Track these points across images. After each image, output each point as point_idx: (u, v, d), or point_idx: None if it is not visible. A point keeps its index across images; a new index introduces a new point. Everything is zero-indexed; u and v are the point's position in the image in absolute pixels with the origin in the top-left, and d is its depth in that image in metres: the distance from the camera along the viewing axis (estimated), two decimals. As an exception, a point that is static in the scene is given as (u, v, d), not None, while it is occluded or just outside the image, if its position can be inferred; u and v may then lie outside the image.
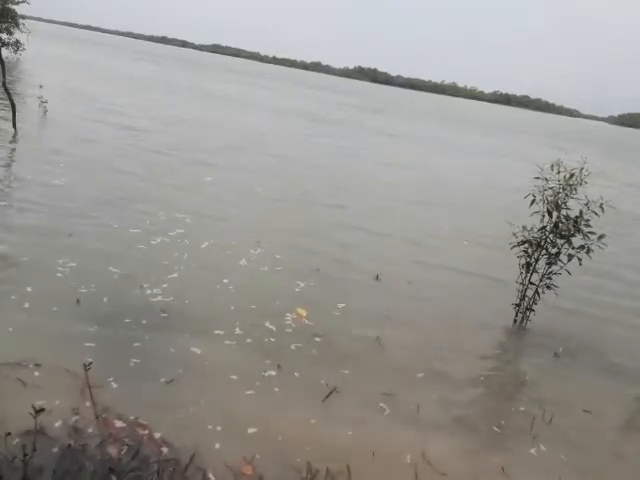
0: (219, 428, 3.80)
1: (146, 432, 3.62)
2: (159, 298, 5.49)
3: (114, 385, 4.06)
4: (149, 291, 5.60)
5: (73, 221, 7.29)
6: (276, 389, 4.39)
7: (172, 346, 4.71)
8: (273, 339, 5.14)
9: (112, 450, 3.41)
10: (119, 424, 3.65)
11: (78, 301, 5.16)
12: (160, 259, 6.48)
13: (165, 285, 5.78)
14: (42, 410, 3.28)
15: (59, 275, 5.67)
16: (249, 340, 5.04)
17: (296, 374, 4.65)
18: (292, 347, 5.07)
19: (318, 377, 4.65)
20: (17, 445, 3.27)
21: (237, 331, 5.14)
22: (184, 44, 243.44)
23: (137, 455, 3.41)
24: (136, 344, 4.63)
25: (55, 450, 3.36)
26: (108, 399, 3.88)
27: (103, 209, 7.96)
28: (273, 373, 4.59)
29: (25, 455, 3.13)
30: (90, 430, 3.57)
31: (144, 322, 5.00)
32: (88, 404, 3.79)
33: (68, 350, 4.40)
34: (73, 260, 6.03)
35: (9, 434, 3.30)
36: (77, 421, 3.63)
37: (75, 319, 4.87)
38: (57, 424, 3.57)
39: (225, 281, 6.16)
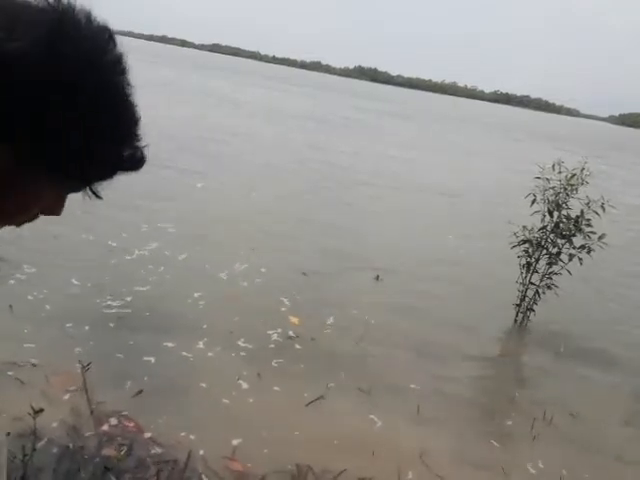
0: (202, 435, 3.70)
1: (140, 432, 3.61)
2: (115, 310, 5.17)
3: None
4: (110, 302, 5.29)
5: (54, 228, 6.90)
6: (251, 399, 4.22)
7: (120, 352, 4.49)
8: (244, 353, 4.87)
9: (110, 450, 3.41)
10: (113, 424, 3.63)
11: (11, 307, 4.92)
12: (133, 271, 6.11)
13: (129, 298, 5.45)
14: (41, 410, 3.28)
15: (11, 281, 5.43)
16: (210, 353, 4.76)
17: (279, 381, 4.50)
18: (271, 360, 4.81)
19: (307, 381, 4.54)
20: (16, 445, 3.26)
21: (199, 345, 4.85)
22: (184, 43, 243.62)
23: (135, 455, 3.40)
24: (77, 349, 4.42)
25: (54, 450, 3.35)
26: (95, 400, 3.84)
27: (87, 215, 7.64)
28: (246, 385, 4.38)
29: (25, 455, 3.13)
30: (88, 430, 3.56)
31: (86, 328, 4.76)
32: (85, 405, 3.79)
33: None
34: (35, 267, 5.76)
35: (9, 434, 3.30)
36: (75, 421, 3.62)
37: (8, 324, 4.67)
38: (55, 424, 3.55)
39: (196, 295, 5.75)
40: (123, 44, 0.73)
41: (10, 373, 3.99)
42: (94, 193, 0.82)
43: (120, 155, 0.76)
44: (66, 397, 3.84)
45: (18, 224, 0.83)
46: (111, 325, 4.91)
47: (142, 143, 0.78)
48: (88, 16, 0.69)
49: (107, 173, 0.79)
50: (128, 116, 0.75)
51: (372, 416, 4.25)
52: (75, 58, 0.66)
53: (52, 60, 0.64)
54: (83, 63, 0.67)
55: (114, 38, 0.71)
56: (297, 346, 5.11)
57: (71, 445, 3.39)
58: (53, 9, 0.66)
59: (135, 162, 0.79)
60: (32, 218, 0.84)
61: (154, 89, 29.10)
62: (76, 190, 0.82)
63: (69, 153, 0.71)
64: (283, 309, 5.83)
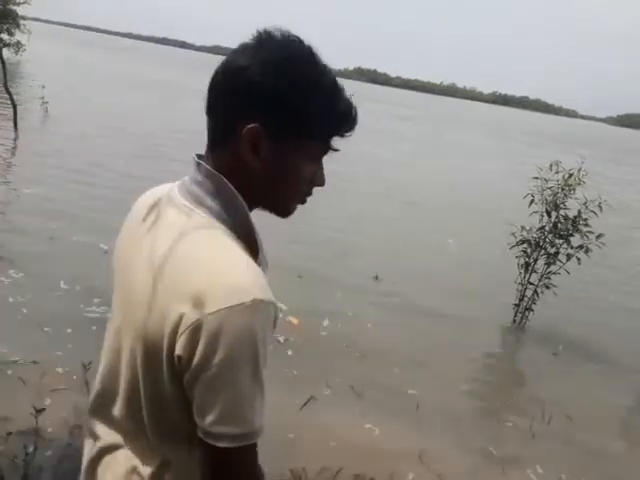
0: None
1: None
2: (101, 314, 5.01)
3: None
4: (95, 308, 5.15)
5: (50, 232, 6.90)
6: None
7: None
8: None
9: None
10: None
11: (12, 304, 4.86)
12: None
13: None
14: (43, 410, 3.29)
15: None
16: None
17: (273, 384, 4.34)
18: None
19: (301, 383, 4.50)
20: (18, 445, 3.27)
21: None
22: (184, 45, 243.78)
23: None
24: (59, 353, 4.39)
25: (56, 449, 3.36)
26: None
27: (83, 219, 7.57)
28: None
29: (26, 454, 3.15)
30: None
31: (70, 330, 4.73)
32: (87, 404, 3.79)
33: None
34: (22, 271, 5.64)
35: (10, 434, 3.31)
36: (77, 420, 3.63)
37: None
38: (57, 423, 3.57)
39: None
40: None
41: (10, 372, 4.02)
42: (333, 149, 1.12)
43: (341, 123, 1.10)
44: (67, 396, 3.85)
45: (301, 199, 1.13)
46: (96, 327, 4.71)
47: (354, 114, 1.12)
48: (313, 51, 1.07)
49: (334, 131, 1.10)
50: (346, 100, 1.10)
51: (370, 417, 4.24)
52: (312, 76, 1.05)
53: (302, 78, 1.03)
54: (313, 78, 1.05)
55: (322, 62, 1.08)
56: (292, 349, 5.05)
57: (73, 444, 3.41)
58: (301, 47, 1.06)
59: (352, 123, 1.11)
60: (309, 190, 1.13)
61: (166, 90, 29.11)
62: (321, 154, 1.11)
63: (318, 122, 1.05)
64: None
